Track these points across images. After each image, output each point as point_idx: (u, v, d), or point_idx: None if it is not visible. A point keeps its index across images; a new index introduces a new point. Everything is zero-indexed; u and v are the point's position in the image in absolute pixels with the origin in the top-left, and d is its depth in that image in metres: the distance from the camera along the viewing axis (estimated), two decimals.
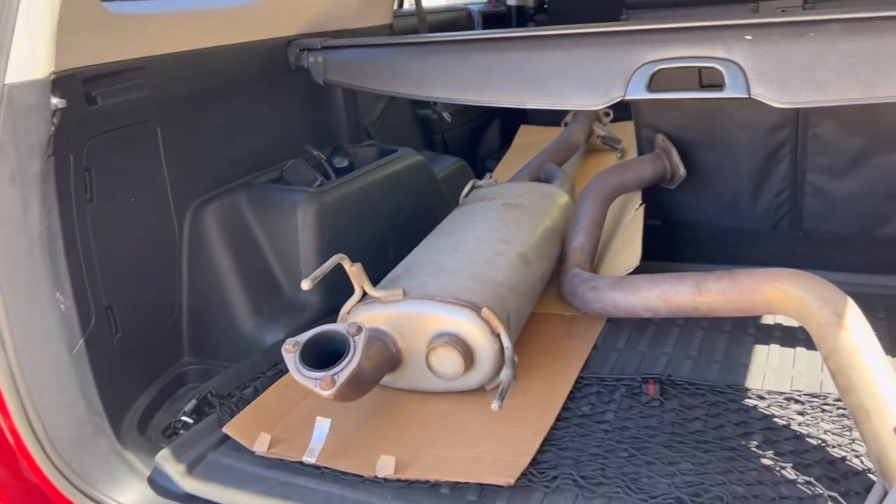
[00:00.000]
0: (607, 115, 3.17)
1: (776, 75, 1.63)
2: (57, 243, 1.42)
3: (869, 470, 1.33)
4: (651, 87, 1.75)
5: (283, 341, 1.72)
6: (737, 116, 2.18)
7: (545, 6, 3.78)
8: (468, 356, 1.61)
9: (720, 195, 2.35)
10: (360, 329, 1.50)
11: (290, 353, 1.48)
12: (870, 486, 1.26)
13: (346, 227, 2.06)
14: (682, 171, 2.23)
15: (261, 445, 1.54)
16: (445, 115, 2.98)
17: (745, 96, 1.66)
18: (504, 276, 1.79)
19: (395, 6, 2.74)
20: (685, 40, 1.72)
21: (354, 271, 1.68)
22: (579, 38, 1.84)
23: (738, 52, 1.66)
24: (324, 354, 1.50)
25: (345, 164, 2.23)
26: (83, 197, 1.56)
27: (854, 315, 1.35)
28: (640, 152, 2.40)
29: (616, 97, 1.79)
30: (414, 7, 2.78)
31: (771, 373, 1.67)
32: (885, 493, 1.20)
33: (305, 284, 1.58)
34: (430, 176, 2.52)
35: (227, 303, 1.91)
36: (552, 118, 3.43)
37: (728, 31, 1.68)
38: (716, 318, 1.86)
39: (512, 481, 1.35)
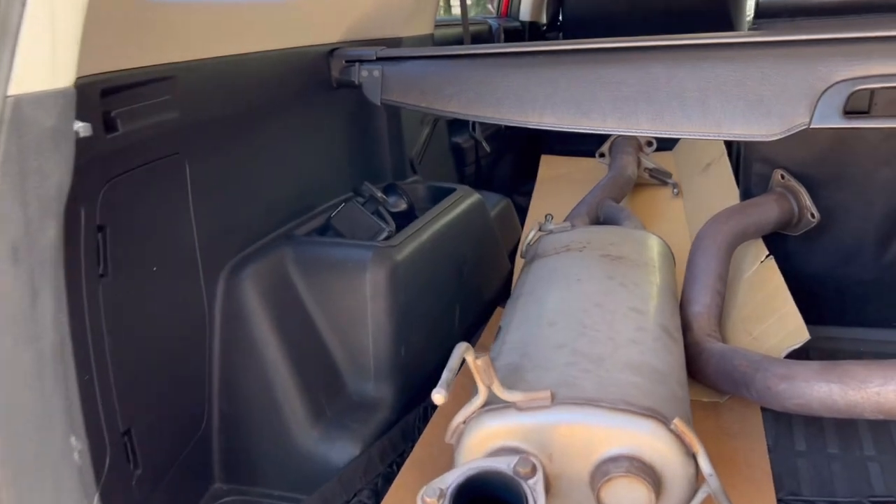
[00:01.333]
0: (650, 144, 2.78)
1: None
2: (67, 353, 0.88)
3: None
4: (847, 112, 1.35)
5: (361, 459, 1.22)
6: (881, 149, 1.81)
7: (559, 23, 3.39)
8: (656, 487, 1.14)
9: (839, 242, 1.98)
10: (534, 469, 1.01)
11: None
12: None
13: (418, 290, 1.57)
14: (812, 215, 1.84)
15: None
16: (484, 143, 2.52)
17: None
18: (664, 363, 1.33)
19: None
20: (887, 53, 1.33)
21: (480, 366, 1.19)
22: (742, 49, 1.43)
23: None
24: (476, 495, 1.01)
25: (403, 206, 1.74)
26: (95, 272, 1.02)
27: None
28: (747, 190, 2.01)
29: (798, 125, 1.37)
30: (460, 16, 2.31)
31: None
32: None
33: (439, 397, 1.08)
34: (489, 220, 2.05)
35: (276, 404, 1.37)
36: (574, 147, 3.03)
37: None
38: None
39: None
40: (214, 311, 1.35)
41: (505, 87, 1.55)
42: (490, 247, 2.05)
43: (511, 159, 2.94)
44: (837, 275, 2.01)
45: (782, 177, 1.89)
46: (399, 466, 1.36)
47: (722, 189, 2.23)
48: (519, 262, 2.22)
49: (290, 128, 1.58)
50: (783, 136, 1.38)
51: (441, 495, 0.98)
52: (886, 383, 1.22)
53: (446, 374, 1.13)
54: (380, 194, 1.61)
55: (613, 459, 1.14)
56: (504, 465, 1.01)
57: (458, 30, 2.51)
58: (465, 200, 1.90)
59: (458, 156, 2.43)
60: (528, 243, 1.95)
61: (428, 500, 0.97)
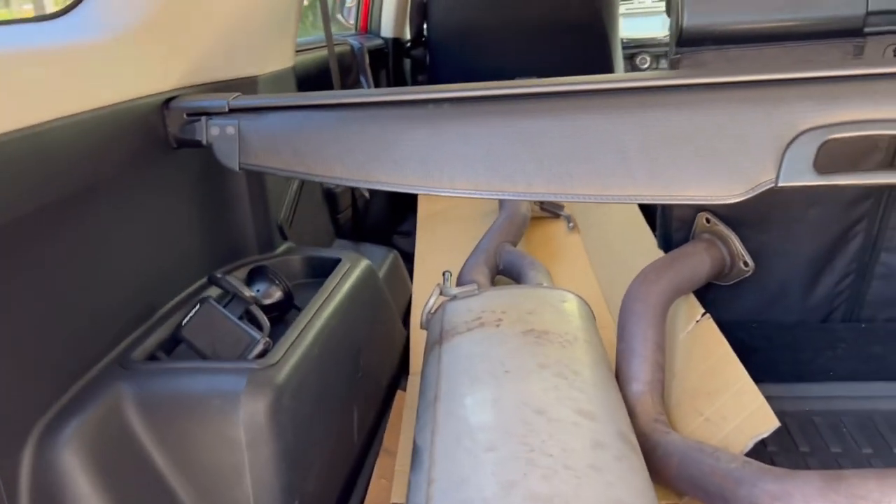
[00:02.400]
0: None
1: None
2: None
3: None
4: (815, 166, 1.13)
5: None
6: (809, 189, 1.64)
7: (424, 38, 3.09)
8: None
9: (765, 285, 1.81)
10: None
11: None
12: None
13: (310, 416, 1.20)
14: (746, 264, 1.64)
15: None
16: (363, 189, 2.17)
17: None
18: (634, 493, 1.06)
19: None
20: (863, 93, 1.12)
21: None
22: (693, 93, 1.17)
23: None
24: None
25: (277, 296, 1.36)
26: None
27: None
28: (667, 238, 1.79)
29: (765, 183, 1.14)
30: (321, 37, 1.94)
31: None
32: None
33: None
34: (381, 289, 1.71)
35: None
36: None
37: None
38: None
39: None
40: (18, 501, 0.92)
41: (404, 145, 1.21)
42: (385, 321, 1.71)
43: (386, 196, 2.60)
44: (761, 321, 1.85)
45: (708, 221, 1.69)
46: None
47: (631, 227, 2.02)
48: (413, 326, 1.90)
49: (117, 209, 1.17)
50: (747, 196, 1.14)
51: None
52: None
53: None
54: (247, 292, 1.22)
55: None
56: None
57: (318, 54, 2.14)
58: (354, 272, 1.55)
59: (332, 204, 2.07)
60: (429, 311, 1.63)
61: None
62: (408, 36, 3.10)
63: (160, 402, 1.07)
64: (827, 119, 1.12)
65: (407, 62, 3.09)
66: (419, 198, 2.71)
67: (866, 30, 1.42)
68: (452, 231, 2.46)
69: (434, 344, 1.49)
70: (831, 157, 1.14)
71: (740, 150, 1.15)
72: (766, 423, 1.29)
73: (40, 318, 0.97)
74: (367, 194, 2.22)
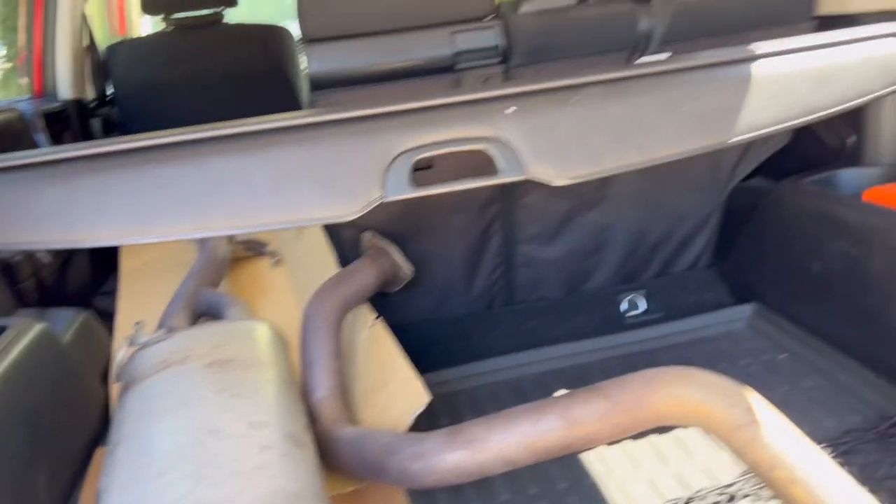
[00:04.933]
0: None
1: (551, 150, 1.41)
2: None
3: None
4: (413, 181, 1.38)
5: None
6: (446, 200, 1.93)
7: (108, 97, 3.06)
8: None
9: (433, 286, 2.08)
10: None
11: None
12: None
13: None
14: (406, 270, 1.89)
15: None
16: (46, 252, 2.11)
17: (523, 178, 1.40)
18: (297, 481, 1.20)
19: None
20: (443, 119, 1.39)
21: None
22: (310, 130, 1.37)
23: (507, 128, 1.39)
24: None
25: None
26: None
27: (766, 408, 1.18)
28: (342, 255, 1.99)
29: (375, 199, 1.36)
30: None
31: (639, 481, 1.44)
32: None
33: None
34: (61, 350, 1.71)
35: None
36: None
37: (489, 105, 1.40)
38: None
39: None
40: None
41: (45, 203, 1.27)
42: (71, 383, 1.71)
43: (82, 255, 2.55)
44: (437, 318, 2.12)
45: (372, 238, 1.91)
46: None
47: (318, 254, 2.19)
48: (116, 388, 1.90)
49: None
50: (362, 212, 1.35)
51: None
52: (506, 437, 1.27)
53: None
54: None
55: None
56: None
57: None
58: (23, 338, 1.55)
59: (9, 274, 2.00)
60: (120, 363, 1.67)
61: None
62: (91, 95, 3.05)
63: None
64: (413, 143, 1.36)
65: (96, 122, 3.03)
66: (120, 254, 2.68)
67: (457, 66, 1.73)
68: (158, 283, 2.46)
69: (122, 393, 1.53)
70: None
71: (352, 175, 1.36)
72: (420, 400, 1.50)
73: None
74: (44, 259, 2.17)
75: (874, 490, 1.32)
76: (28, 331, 1.57)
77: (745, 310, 2.01)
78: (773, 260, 1.94)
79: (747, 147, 2.03)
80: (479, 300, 2.14)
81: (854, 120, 1.88)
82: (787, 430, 1.15)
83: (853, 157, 1.90)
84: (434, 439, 1.31)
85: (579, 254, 2.12)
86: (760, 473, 1.15)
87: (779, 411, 1.17)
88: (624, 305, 2.14)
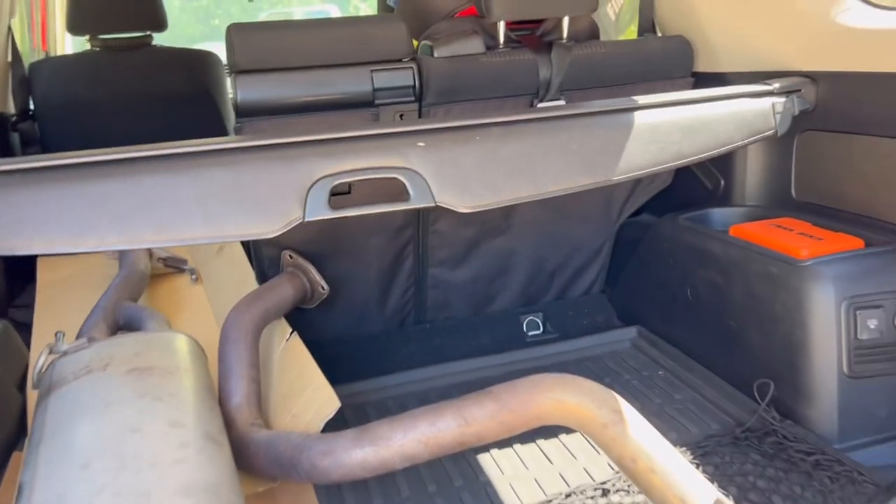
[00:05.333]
0: None
1: (456, 181, 1.58)
2: None
3: None
4: (330, 204, 1.52)
5: None
6: (363, 223, 2.08)
7: (31, 112, 3.08)
8: None
9: (351, 305, 2.22)
10: None
11: None
12: None
13: None
14: (323, 288, 2.02)
15: None
16: None
17: (433, 205, 1.57)
18: (213, 474, 1.31)
19: None
20: (360, 149, 1.55)
21: None
22: (234, 154, 1.50)
23: (416, 161, 1.56)
24: None
25: None
26: None
27: (628, 409, 1.37)
28: (261, 272, 2.10)
29: (295, 219, 1.50)
30: None
31: (522, 477, 1.60)
32: None
33: None
34: None
35: None
36: None
37: (402, 139, 1.57)
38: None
39: None
40: None
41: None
42: None
43: (2, 264, 2.57)
44: (354, 335, 2.25)
45: (290, 257, 2.04)
46: None
47: (238, 271, 2.30)
48: (32, 395, 1.95)
49: None
50: (283, 230, 1.49)
51: None
52: (406, 435, 1.41)
53: None
54: None
55: None
56: None
57: None
58: None
59: None
60: (40, 370, 1.73)
61: None
62: (12, 110, 3.06)
63: None
64: (333, 169, 1.52)
65: (14, 136, 3.05)
66: (38, 267, 2.71)
67: (377, 101, 1.89)
68: (76, 297, 2.51)
69: (42, 398, 1.60)
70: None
71: (275, 196, 1.50)
72: (331, 405, 1.63)
73: None
74: None
75: (725, 485, 1.54)
76: None
77: (630, 332, 2.22)
78: (653, 287, 2.17)
79: (634, 186, 2.27)
80: (391, 318, 2.28)
81: (724, 166, 2.14)
82: (646, 429, 1.34)
83: (724, 199, 2.16)
84: (342, 437, 1.44)
85: (485, 277, 2.30)
86: (624, 465, 1.34)
87: (638, 412, 1.36)
88: (525, 326, 2.33)
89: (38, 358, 1.74)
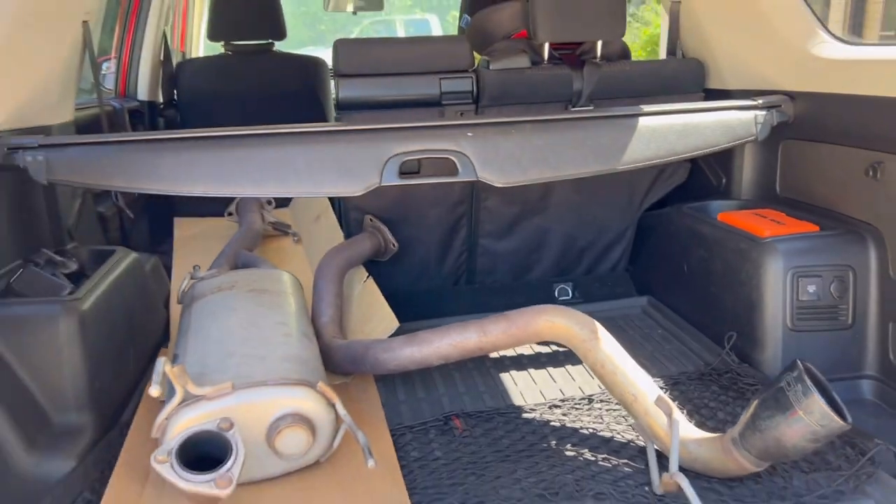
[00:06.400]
0: (270, 203, 3.37)
1: (495, 162, 2.12)
2: None
3: (632, 441, 1.84)
4: (401, 174, 2.09)
5: (77, 469, 1.59)
6: (428, 197, 2.64)
7: (174, 101, 3.82)
8: (312, 431, 1.69)
9: (415, 263, 2.78)
10: (231, 424, 1.48)
11: (164, 462, 1.39)
12: (640, 450, 1.77)
13: (102, 335, 1.90)
14: (394, 245, 2.60)
15: None
16: (128, 210, 2.83)
17: (475, 179, 2.11)
18: (306, 354, 1.90)
19: None
20: (424, 136, 2.11)
21: (176, 372, 1.62)
22: (333, 135, 2.09)
23: (465, 146, 2.10)
24: (193, 458, 1.45)
25: (74, 267, 2.04)
26: None
27: (603, 332, 1.87)
28: (349, 232, 2.70)
29: (374, 184, 2.07)
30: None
31: (530, 388, 2.13)
32: (658, 454, 1.71)
33: (154, 390, 1.49)
34: (146, 274, 2.41)
35: None
36: (204, 209, 3.48)
37: (456, 130, 2.12)
38: (462, 361, 2.24)
39: None
40: None
41: (160, 164, 1.99)
42: (149, 297, 2.41)
43: (147, 222, 3.27)
44: (416, 288, 2.81)
45: (370, 220, 2.62)
46: (110, 470, 1.69)
47: (330, 233, 2.91)
48: (174, 308, 2.60)
49: None
50: (364, 192, 2.06)
51: (168, 453, 1.39)
52: (442, 340, 1.96)
53: (155, 377, 1.54)
54: (59, 258, 1.91)
55: (281, 418, 1.66)
56: (211, 425, 1.47)
57: (89, 112, 2.79)
58: (125, 260, 2.25)
59: (104, 223, 2.73)
60: (183, 290, 2.38)
61: (160, 458, 1.38)
62: (161, 99, 3.80)
63: (5, 321, 1.73)
64: (402, 149, 2.08)
65: (161, 121, 3.78)
66: (175, 224, 3.41)
67: (443, 102, 2.45)
68: (202, 248, 3.18)
69: (186, 307, 2.23)
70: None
71: (360, 166, 2.07)
72: (392, 324, 2.19)
73: None
74: (131, 215, 2.89)
75: (683, 403, 2.01)
76: (127, 257, 2.28)
77: (641, 300, 2.70)
78: (661, 263, 2.64)
79: (654, 180, 2.74)
80: (447, 277, 2.83)
81: (726, 167, 2.59)
82: (613, 344, 1.84)
83: (725, 193, 2.61)
84: (397, 340, 2.01)
85: (525, 250, 2.82)
86: (596, 370, 1.84)
87: (609, 333, 1.86)
88: (556, 293, 2.83)
89: (181, 282, 2.39)
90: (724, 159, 2.57)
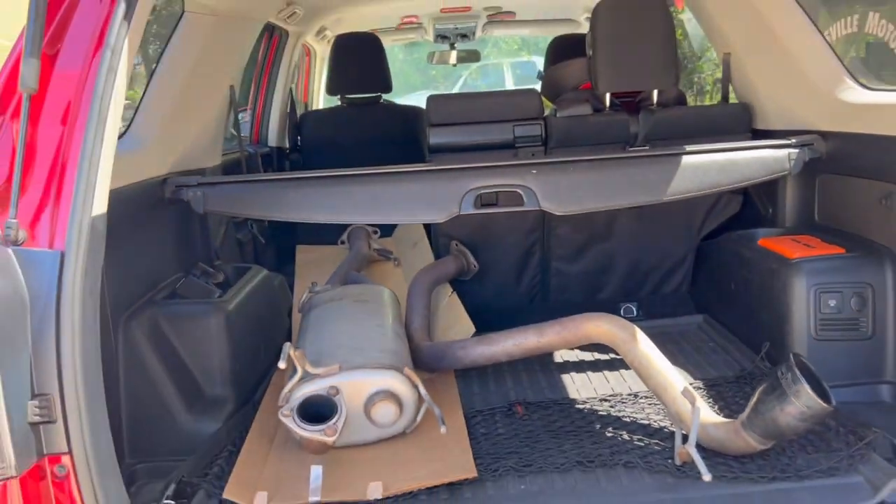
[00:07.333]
0: (376, 232, 3.91)
1: (555, 195, 2.54)
2: None
3: (665, 427, 2.18)
4: (476, 204, 2.55)
5: (222, 429, 2.09)
6: (504, 225, 3.09)
7: (298, 147, 4.47)
8: (399, 406, 2.15)
9: (495, 282, 3.22)
10: (338, 391, 1.97)
11: (287, 416, 1.89)
12: (671, 434, 2.12)
13: (243, 330, 2.45)
14: (475, 266, 3.05)
15: (261, 501, 1.87)
16: (260, 237, 3.44)
17: (539, 209, 2.54)
18: (398, 347, 2.37)
19: None
20: (496, 174, 2.56)
21: (298, 355, 2.12)
22: (422, 174, 2.58)
23: (530, 181, 2.54)
24: (309, 416, 1.94)
25: (220, 279, 2.61)
26: None
27: (641, 334, 2.23)
28: (438, 255, 3.18)
29: (454, 212, 2.54)
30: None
31: (586, 385, 2.51)
32: (684, 437, 2.06)
33: (282, 364, 2.00)
34: (275, 288, 2.98)
35: (164, 403, 2.16)
36: (320, 239, 4.05)
37: (523, 168, 2.56)
38: (527, 360, 2.63)
39: (476, 474, 1.93)
40: (119, 347, 2.12)
41: (288, 198, 2.54)
42: (276, 306, 2.97)
43: (275, 248, 3.89)
44: (495, 305, 3.24)
45: (456, 244, 3.09)
46: (246, 433, 2.21)
47: (424, 256, 3.39)
48: (295, 318, 3.15)
49: (142, 231, 2.40)
50: (447, 218, 2.54)
51: (291, 410, 1.89)
52: (507, 340, 2.38)
53: (283, 356, 2.04)
54: (210, 270, 2.48)
55: (376, 393, 2.13)
56: (323, 392, 1.95)
57: (231, 157, 3.43)
58: (259, 275, 2.82)
59: (241, 247, 3.33)
60: (303, 301, 2.92)
61: (285, 412, 1.88)
62: (287, 145, 4.46)
63: (175, 315, 2.30)
64: (478, 184, 2.54)
65: (287, 163, 4.44)
66: (297, 250, 4.01)
67: (516, 145, 2.91)
68: (319, 270, 3.74)
69: (305, 315, 2.77)
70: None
71: (444, 198, 2.55)
72: (470, 331, 2.63)
73: (118, 271, 2.18)
74: (263, 241, 3.49)
75: (716, 400, 2.33)
76: (260, 273, 2.85)
77: (698, 318, 3.02)
78: (715, 284, 2.95)
79: (709, 210, 3.07)
80: (524, 296, 3.25)
81: (772, 198, 2.90)
82: (650, 345, 2.20)
83: (772, 222, 2.91)
84: (471, 340, 2.45)
85: (594, 272, 3.20)
86: (634, 366, 2.21)
87: (646, 336, 2.22)
88: (622, 311, 3.19)
89: (302, 296, 2.93)
90: (770, 192, 2.88)
